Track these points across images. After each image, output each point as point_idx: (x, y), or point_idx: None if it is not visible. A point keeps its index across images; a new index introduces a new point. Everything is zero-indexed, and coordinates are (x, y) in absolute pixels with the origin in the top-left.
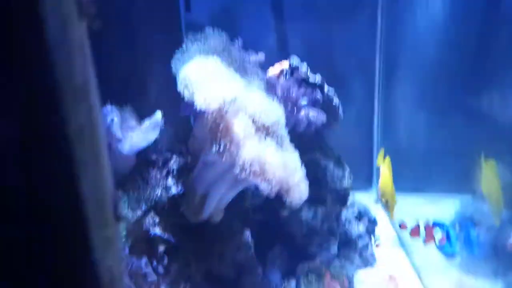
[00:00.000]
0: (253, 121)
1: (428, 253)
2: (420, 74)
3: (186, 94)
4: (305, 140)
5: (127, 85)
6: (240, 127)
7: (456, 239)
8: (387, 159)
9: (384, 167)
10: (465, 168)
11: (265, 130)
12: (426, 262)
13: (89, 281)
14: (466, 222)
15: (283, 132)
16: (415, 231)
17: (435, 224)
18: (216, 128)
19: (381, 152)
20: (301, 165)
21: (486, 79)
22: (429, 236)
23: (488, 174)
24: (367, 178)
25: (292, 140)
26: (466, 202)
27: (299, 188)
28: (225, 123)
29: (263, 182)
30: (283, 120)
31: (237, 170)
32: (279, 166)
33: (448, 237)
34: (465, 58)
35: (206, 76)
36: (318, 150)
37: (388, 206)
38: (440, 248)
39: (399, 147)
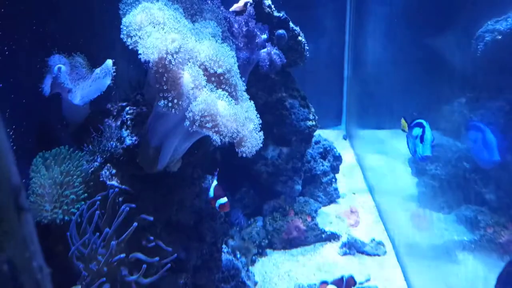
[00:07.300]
0: (204, 70)
1: (389, 191)
2: (388, 10)
3: (129, 42)
4: (269, 80)
5: (77, 32)
6: (188, 77)
7: (431, 141)
8: None
9: None
10: (425, 107)
11: (217, 79)
12: (386, 198)
13: None
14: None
15: (237, 80)
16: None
17: (415, 124)
18: (161, 79)
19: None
20: (256, 114)
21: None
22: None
23: None
24: (337, 115)
25: (255, 80)
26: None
27: (251, 139)
28: (171, 74)
29: (214, 134)
30: (236, 68)
31: (187, 123)
32: (230, 118)
33: (422, 137)
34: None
35: (150, 24)
36: (284, 90)
37: None
38: (413, 152)
39: (365, 84)
